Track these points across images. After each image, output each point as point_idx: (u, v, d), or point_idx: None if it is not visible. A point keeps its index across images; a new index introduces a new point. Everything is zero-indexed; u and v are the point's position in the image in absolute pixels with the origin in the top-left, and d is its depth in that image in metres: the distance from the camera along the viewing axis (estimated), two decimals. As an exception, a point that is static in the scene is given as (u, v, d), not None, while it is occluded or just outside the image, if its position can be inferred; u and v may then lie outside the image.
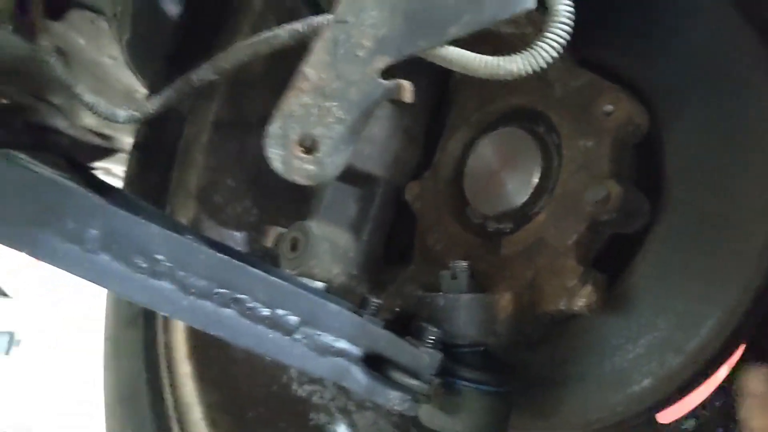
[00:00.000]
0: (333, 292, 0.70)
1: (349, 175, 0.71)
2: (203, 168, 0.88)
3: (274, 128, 0.49)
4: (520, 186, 0.67)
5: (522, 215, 0.66)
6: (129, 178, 0.99)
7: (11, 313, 2.50)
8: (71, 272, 0.49)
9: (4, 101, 0.97)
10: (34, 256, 0.48)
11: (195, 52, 0.72)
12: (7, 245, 0.48)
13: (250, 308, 0.51)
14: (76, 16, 0.94)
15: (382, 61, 0.49)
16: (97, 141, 1.12)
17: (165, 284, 0.50)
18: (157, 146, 0.96)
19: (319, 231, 0.73)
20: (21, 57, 0.74)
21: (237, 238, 0.88)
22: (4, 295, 2.47)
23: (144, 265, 0.50)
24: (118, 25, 0.91)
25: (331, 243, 0.73)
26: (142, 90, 1.07)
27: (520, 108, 0.71)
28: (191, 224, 0.86)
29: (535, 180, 0.66)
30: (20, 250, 0.48)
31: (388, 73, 0.49)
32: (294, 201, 0.84)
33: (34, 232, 0.47)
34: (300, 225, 0.72)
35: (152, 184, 0.93)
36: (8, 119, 0.99)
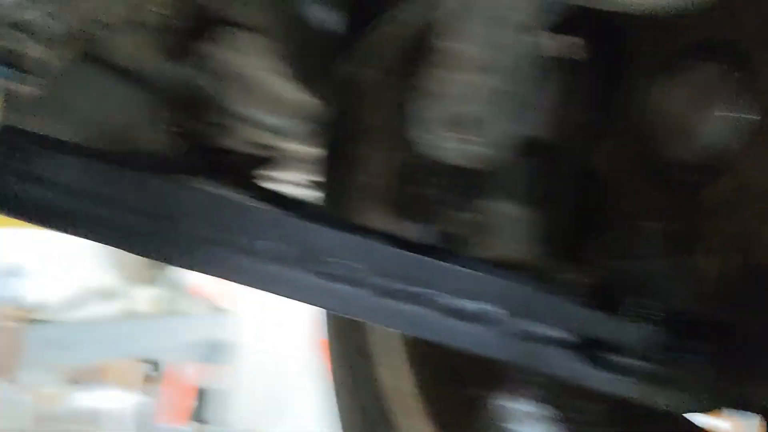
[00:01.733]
0: (521, 271, 0.67)
1: (525, 147, 0.67)
2: (380, 163, 0.87)
3: (426, 114, 0.47)
4: (716, 128, 0.59)
5: (720, 161, 0.58)
6: (312, 183, 1.02)
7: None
8: (249, 286, 0.50)
9: (176, 129, 1.03)
10: (212, 273, 0.50)
11: (350, 51, 0.72)
12: (185, 267, 0.50)
13: (439, 302, 0.49)
14: (233, 36, 0.97)
15: (538, 21, 0.44)
16: (267, 153, 1.16)
17: (347, 287, 0.49)
18: (332, 148, 0.97)
19: (500, 210, 0.70)
20: (183, 85, 0.78)
21: (421, 229, 0.87)
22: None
23: (320, 270, 0.50)
24: (271, 39, 0.93)
25: (515, 221, 0.70)
26: (304, 98, 1.10)
27: (707, 41, 0.62)
28: (373, 220, 0.86)
29: (732, 119, 0.57)
30: (199, 270, 0.49)
31: (527, 32, 0.44)
32: (472, 182, 0.82)
33: (211, 251, 0.48)
34: (480, 206, 0.69)
35: (334, 186, 0.95)
36: (181, 145, 1.06)
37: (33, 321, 1.57)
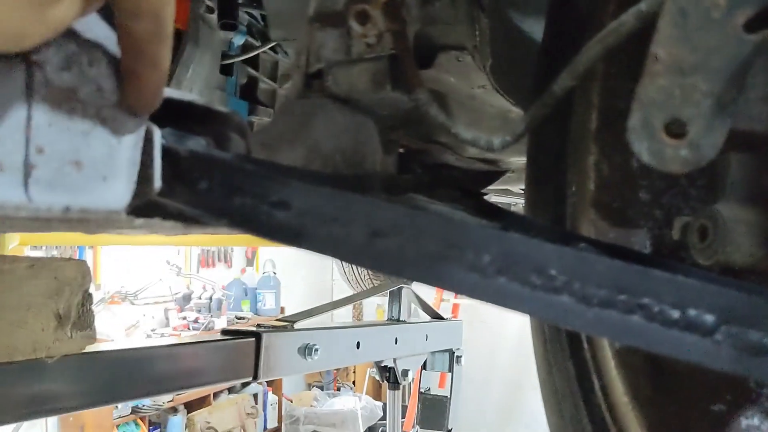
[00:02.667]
0: (747, 278, 0.61)
1: (747, 143, 0.62)
2: (593, 170, 0.85)
3: (635, 120, 0.45)
4: None
5: None
6: (528, 194, 1.02)
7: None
8: (475, 298, 0.52)
9: (401, 150, 1.09)
10: (443, 287, 0.52)
11: (557, 61, 0.72)
12: (419, 281, 0.53)
13: (657, 312, 0.47)
14: (443, 58, 1.02)
15: (743, 15, 0.41)
16: (485, 167, 1.19)
17: (564, 298, 0.50)
18: (544, 158, 0.97)
19: (730, 213, 0.65)
20: (405, 109, 0.83)
21: (640, 236, 0.83)
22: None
23: (540, 282, 0.50)
24: (479, 56, 0.96)
25: (748, 224, 0.65)
26: (514, 109, 1.11)
27: None
28: (589, 229, 0.85)
29: None
30: (430, 284, 0.52)
31: (751, 26, 0.41)
32: (697, 185, 0.77)
33: (440, 267, 0.51)
34: (707, 211, 0.65)
35: (548, 195, 0.95)
36: (407, 164, 1.11)
37: (278, 328, 1.73)
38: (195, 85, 1.22)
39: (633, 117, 0.46)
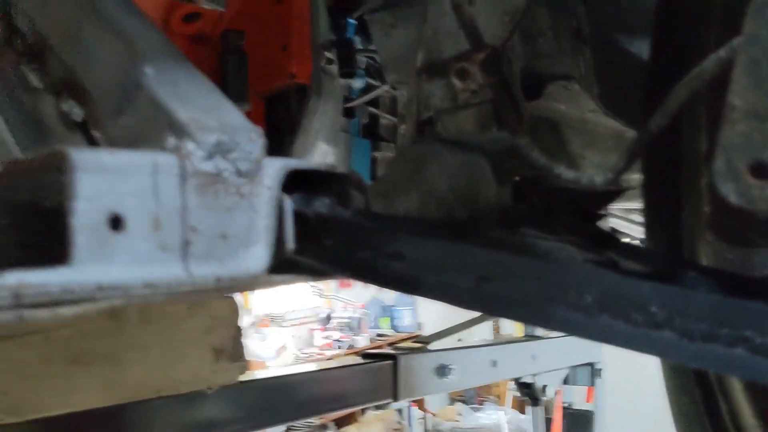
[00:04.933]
0: None
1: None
2: (706, 192, 0.85)
3: (720, 165, 0.48)
4: None
5: None
6: (645, 217, 1.03)
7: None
8: (581, 336, 0.56)
9: (516, 178, 1.13)
10: (550, 327, 0.57)
11: (663, 84, 0.73)
12: (527, 322, 0.58)
13: (759, 344, 0.49)
14: (551, 88, 1.05)
15: None
16: (599, 189, 1.19)
17: (666, 334, 0.52)
18: (658, 181, 0.98)
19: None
20: (509, 147, 0.87)
21: (762, 255, 0.82)
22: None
23: (642, 319, 0.53)
24: (586, 84, 0.98)
25: None
26: (625, 130, 1.12)
27: None
28: (707, 251, 0.85)
29: None
30: (538, 324, 0.57)
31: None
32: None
33: (545, 308, 0.55)
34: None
35: (664, 218, 0.95)
36: (523, 191, 1.15)
37: (414, 350, 1.80)
38: (321, 132, 1.32)
39: (717, 161, 0.48)
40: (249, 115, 1.29)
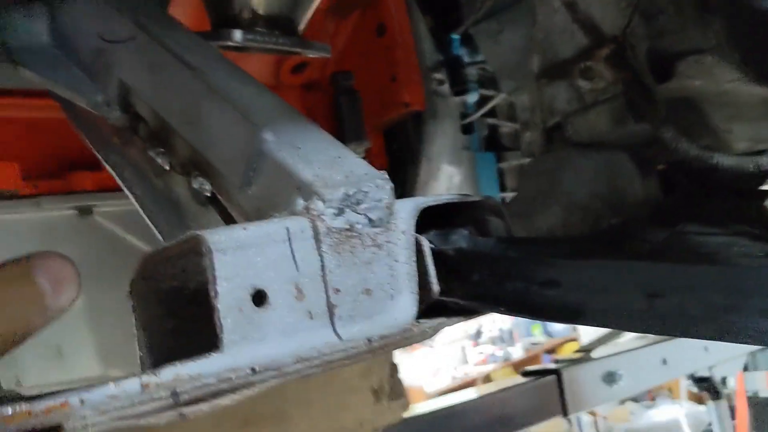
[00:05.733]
0: None
1: None
2: None
3: None
4: None
5: None
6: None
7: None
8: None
9: (661, 166, 1.04)
10: (737, 341, 0.49)
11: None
12: (710, 338, 0.51)
13: None
14: (682, 66, 0.96)
15: None
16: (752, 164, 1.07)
17: None
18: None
19: None
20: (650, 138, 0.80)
21: None
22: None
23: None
24: (721, 53, 0.89)
25: None
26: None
27: None
28: None
29: None
30: (723, 339, 0.50)
31: None
32: None
33: (729, 319, 0.49)
34: None
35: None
36: (672, 178, 1.05)
37: (576, 361, 1.72)
38: (443, 155, 1.29)
39: None
40: (370, 151, 1.28)
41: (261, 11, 0.86)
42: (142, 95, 0.67)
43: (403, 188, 1.32)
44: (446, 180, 1.34)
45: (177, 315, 0.52)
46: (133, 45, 0.68)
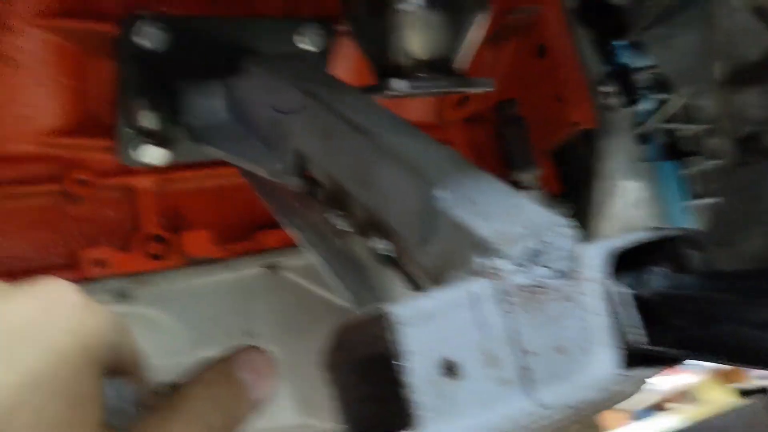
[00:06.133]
0: None
1: None
2: None
3: None
4: None
5: None
6: None
7: None
8: None
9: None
10: None
11: None
12: None
13: None
14: None
15: None
16: None
17: None
18: None
19: None
20: None
21: None
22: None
23: None
24: None
25: None
26: None
27: None
28: None
29: None
30: None
31: None
32: None
33: None
34: None
35: None
36: None
37: None
38: (618, 171, 1.22)
39: None
40: (540, 177, 1.24)
41: (422, 56, 0.86)
42: (317, 161, 0.70)
43: (579, 210, 1.26)
44: (625, 196, 1.26)
45: (370, 382, 0.53)
46: (304, 114, 0.70)
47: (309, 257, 0.77)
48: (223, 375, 0.41)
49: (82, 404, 0.33)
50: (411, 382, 0.44)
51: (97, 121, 0.91)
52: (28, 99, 0.86)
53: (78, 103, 0.90)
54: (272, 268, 1.03)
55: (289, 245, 1.02)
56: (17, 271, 0.88)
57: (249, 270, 1.01)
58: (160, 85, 0.83)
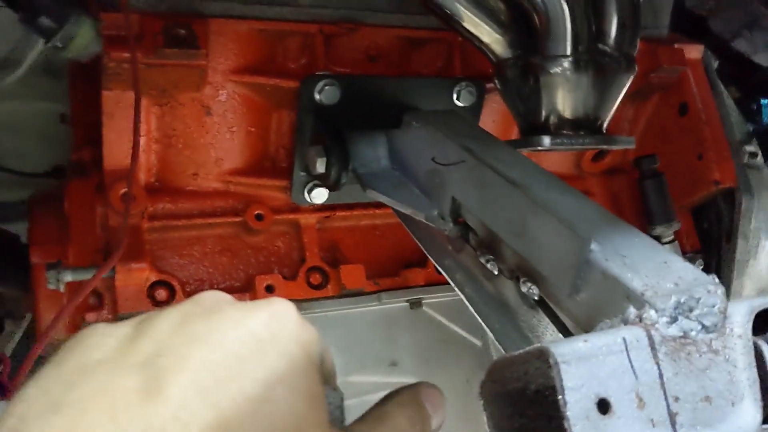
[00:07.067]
0: None
1: None
2: None
3: None
4: None
5: None
6: None
7: None
8: None
9: None
10: None
11: None
12: None
13: None
14: None
15: None
16: None
17: None
18: None
19: None
20: None
21: None
22: None
23: None
24: None
25: None
26: None
27: None
28: None
29: None
30: None
31: None
32: None
33: None
34: None
35: None
36: None
37: None
38: (761, 230, 1.21)
39: None
40: (679, 231, 1.25)
41: (567, 115, 0.92)
42: (472, 209, 0.77)
43: (718, 267, 1.25)
44: (767, 257, 1.24)
45: (522, 414, 0.58)
46: (462, 166, 0.78)
47: (449, 294, 0.83)
48: (414, 401, 0.48)
49: (315, 402, 0.40)
50: (568, 414, 0.49)
51: (274, 164, 1.03)
52: (219, 143, 1.00)
53: (260, 147, 1.02)
54: (415, 304, 1.10)
55: (432, 283, 1.09)
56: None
57: (395, 304, 1.09)
58: (331, 135, 0.93)
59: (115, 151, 0.92)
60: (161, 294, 0.95)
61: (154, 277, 0.95)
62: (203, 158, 1.01)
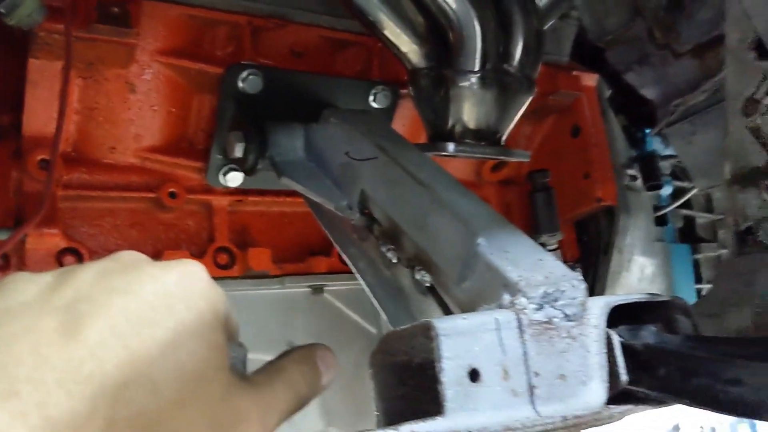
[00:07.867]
0: None
1: None
2: None
3: None
4: None
5: None
6: None
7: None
8: None
9: None
10: None
11: None
12: None
13: None
14: None
15: None
16: None
17: None
18: None
19: None
20: None
21: None
22: None
23: None
24: None
25: None
26: None
27: None
28: None
29: None
30: None
31: None
32: None
33: None
34: None
35: None
36: None
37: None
38: (635, 247, 1.34)
39: None
40: (562, 242, 1.37)
41: (471, 126, 1.00)
42: (379, 202, 0.83)
43: (594, 277, 1.38)
44: (638, 271, 1.38)
45: (406, 384, 0.65)
46: (375, 163, 0.85)
47: (350, 282, 0.89)
48: (308, 359, 0.55)
49: (218, 350, 0.46)
50: (443, 380, 0.57)
51: (192, 145, 1.07)
52: (140, 120, 1.02)
53: (179, 128, 1.06)
54: (317, 290, 1.17)
55: (335, 271, 1.16)
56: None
57: (297, 289, 1.15)
58: (252, 122, 0.98)
59: (36, 118, 0.94)
60: (69, 260, 0.97)
61: (63, 244, 0.97)
62: (123, 133, 1.03)
